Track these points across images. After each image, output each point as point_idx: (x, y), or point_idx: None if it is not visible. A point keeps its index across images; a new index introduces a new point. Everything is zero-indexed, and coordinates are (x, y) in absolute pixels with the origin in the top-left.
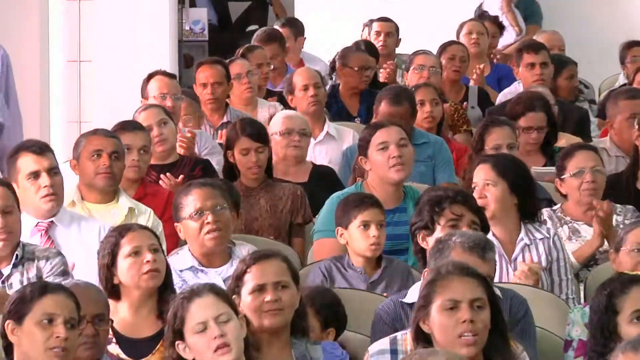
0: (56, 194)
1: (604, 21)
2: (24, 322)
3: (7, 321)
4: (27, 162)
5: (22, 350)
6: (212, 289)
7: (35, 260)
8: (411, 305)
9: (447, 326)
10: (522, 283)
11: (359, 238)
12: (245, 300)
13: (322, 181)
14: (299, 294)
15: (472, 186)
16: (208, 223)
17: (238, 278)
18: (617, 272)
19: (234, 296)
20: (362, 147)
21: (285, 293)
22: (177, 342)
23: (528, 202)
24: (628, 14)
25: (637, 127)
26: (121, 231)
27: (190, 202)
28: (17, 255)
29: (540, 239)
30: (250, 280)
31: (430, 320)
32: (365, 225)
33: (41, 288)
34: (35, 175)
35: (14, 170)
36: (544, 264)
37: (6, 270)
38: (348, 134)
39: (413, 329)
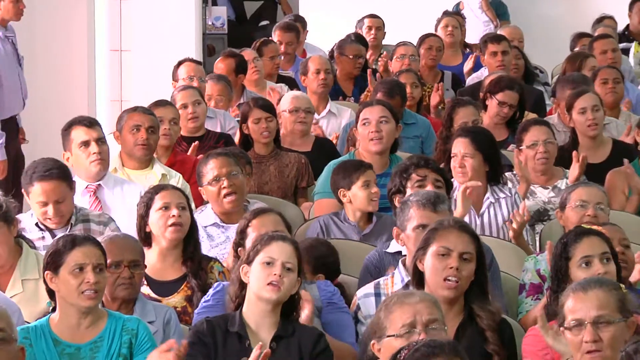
0: (103, 159)
1: (557, 17)
2: (60, 272)
3: (46, 272)
4: (79, 133)
5: (61, 295)
6: (295, 243)
7: (90, 223)
8: (393, 254)
9: (437, 269)
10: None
11: (362, 196)
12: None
13: (323, 151)
14: None
15: (452, 155)
16: (224, 187)
17: (242, 232)
18: (575, 226)
19: (239, 248)
20: (355, 121)
21: None
22: (243, 265)
23: (496, 169)
24: (577, 11)
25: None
26: (156, 189)
27: (209, 170)
28: (71, 224)
29: (503, 198)
30: (252, 232)
31: (425, 261)
32: (367, 184)
33: (71, 242)
34: (86, 144)
35: (68, 141)
36: (506, 217)
37: (59, 232)
38: (346, 112)
39: (411, 266)
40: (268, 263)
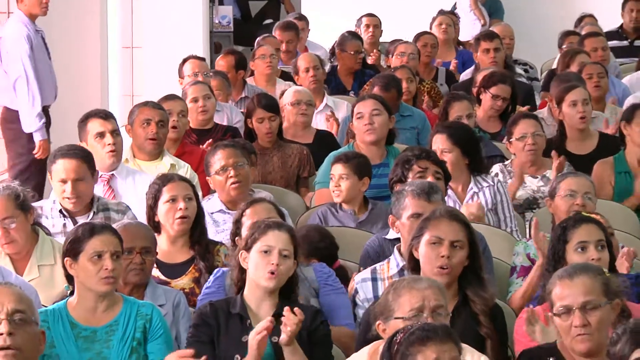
0: (117, 151)
1: (545, 16)
2: (79, 259)
3: (66, 258)
4: (95, 125)
5: (80, 280)
6: (290, 230)
7: (110, 211)
8: (392, 240)
9: (430, 257)
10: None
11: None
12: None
13: (324, 143)
14: None
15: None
16: (231, 177)
17: (237, 221)
18: (575, 213)
19: (236, 237)
20: (351, 114)
21: None
22: (242, 251)
23: (476, 160)
24: (563, 10)
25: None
26: (164, 180)
27: (217, 160)
28: (94, 212)
29: (486, 186)
30: (246, 221)
31: (419, 248)
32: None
33: (90, 230)
34: (101, 135)
35: (84, 132)
36: (489, 205)
37: (81, 218)
38: (342, 105)
39: (407, 254)
40: (266, 251)
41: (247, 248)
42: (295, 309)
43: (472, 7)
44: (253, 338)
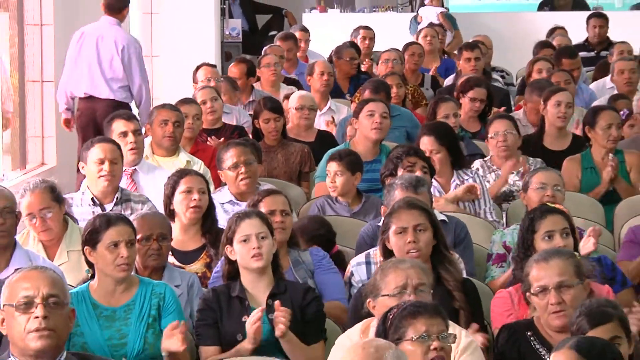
0: (138, 148)
1: (519, 29)
2: (97, 248)
3: (86, 247)
4: (118, 125)
5: (99, 267)
6: (259, 214)
7: (132, 202)
8: None
9: (399, 245)
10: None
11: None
12: None
13: (324, 142)
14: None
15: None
16: (242, 173)
17: (253, 205)
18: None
19: None
20: (356, 112)
21: (287, 218)
22: (227, 246)
23: (458, 157)
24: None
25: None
26: (181, 173)
27: (229, 157)
28: (117, 197)
29: (467, 179)
30: (262, 209)
31: (389, 240)
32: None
33: (106, 221)
34: (124, 134)
35: (109, 131)
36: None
37: (109, 207)
38: (344, 109)
39: (380, 246)
40: (245, 240)
41: (230, 241)
42: (279, 305)
43: (440, 19)
44: (250, 327)
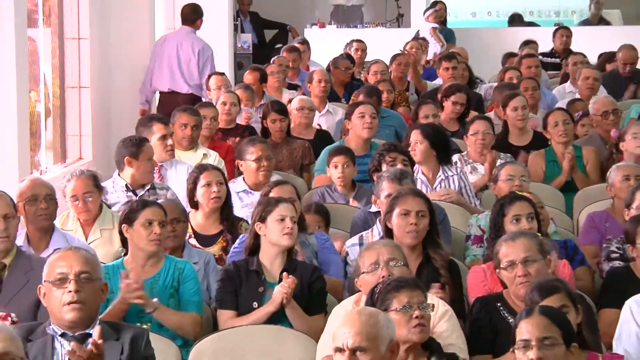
0: (174, 149)
1: (492, 41)
2: (134, 225)
3: (123, 225)
4: (159, 128)
5: (134, 242)
6: (293, 202)
7: (156, 190)
8: (374, 213)
9: (401, 225)
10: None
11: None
12: None
13: (322, 139)
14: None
15: (410, 142)
16: (263, 166)
17: (266, 194)
18: (510, 192)
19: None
20: (348, 114)
21: (296, 204)
22: (258, 223)
23: (443, 153)
24: (506, 38)
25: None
26: (201, 169)
27: (253, 151)
28: (150, 183)
29: (452, 175)
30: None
31: (392, 220)
32: (335, 165)
33: (143, 203)
34: (164, 137)
35: (150, 131)
36: (457, 189)
37: (140, 191)
38: (340, 111)
39: (383, 225)
40: (282, 219)
41: (262, 219)
42: (286, 276)
43: (432, 33)
44: (278, 292)
